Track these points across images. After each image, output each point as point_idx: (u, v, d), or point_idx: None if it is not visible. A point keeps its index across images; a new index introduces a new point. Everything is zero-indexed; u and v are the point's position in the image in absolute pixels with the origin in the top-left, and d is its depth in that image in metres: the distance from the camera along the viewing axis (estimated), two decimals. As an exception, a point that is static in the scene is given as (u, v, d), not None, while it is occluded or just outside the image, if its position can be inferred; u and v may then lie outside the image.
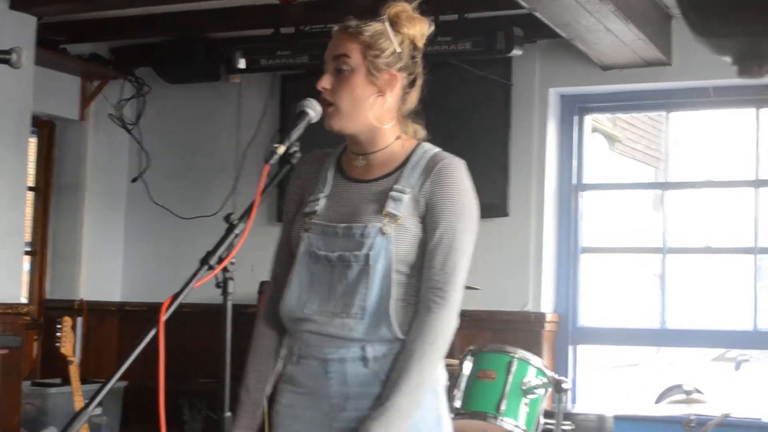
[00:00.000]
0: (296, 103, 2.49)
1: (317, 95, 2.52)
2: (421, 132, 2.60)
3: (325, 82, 2.49)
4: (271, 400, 2.63)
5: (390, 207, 2.45)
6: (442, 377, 2.53)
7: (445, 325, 2.44)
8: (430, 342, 2.42)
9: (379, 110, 2.50)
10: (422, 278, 2.47)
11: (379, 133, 2.53)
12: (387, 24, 2.49)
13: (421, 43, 2.56)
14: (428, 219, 2.47)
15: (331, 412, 2.47)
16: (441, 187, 2.47)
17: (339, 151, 2.63)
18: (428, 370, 2.42)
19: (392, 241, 2.43)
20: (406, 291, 2.47)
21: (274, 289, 2.66)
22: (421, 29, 2.54)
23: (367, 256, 2.43)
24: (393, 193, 2.47)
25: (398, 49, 2.49)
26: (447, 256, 2.45)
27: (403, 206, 2.46)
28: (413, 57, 2.54)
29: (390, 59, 2.49)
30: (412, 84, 2.56)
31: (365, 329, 2.43)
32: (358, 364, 2.44)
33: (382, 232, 2.44)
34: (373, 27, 2.49)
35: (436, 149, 2.55)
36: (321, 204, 2.55)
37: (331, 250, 2.48)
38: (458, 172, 2.50)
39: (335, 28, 2.55)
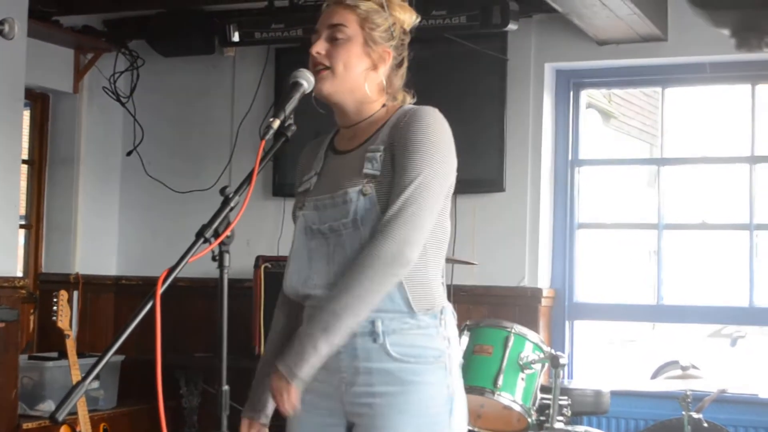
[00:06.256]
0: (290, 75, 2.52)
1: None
2: (409, 99, 2.64)
3: (319, 47, 2.53)
4: (240, 374, 2.65)
5: (367, 168, 2.46)
6: (454, 354, 2.50)
7: (381, 255, 2.35)
8: (357, 269, 2.36)
9: (371, 84, 2.55)
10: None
11: (366, 106, 2.57)
12: (384, 2, 2.55)
13: (408, 29, 2.63)
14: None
15: (342, 387, 2.48)
16: (404, 131, 2.45)
17: (333, 132, 2.68)
18: (348, 298, 2.34)
19: (374, 201, 2.43)
20: None
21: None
22: (409, 16, 2.62)
23: (354, 220, 2.43)
24: (368, 154, 2.48)
25: (391, 28, 2.55)
26: (403, 191, 2.39)
27: (379, 164, 2.46)
28: (402, 40, 2.60)
29: (384, 35, 2.55)
30: (399, 65, 2.61)
31: None
32: (368, 339, 2.43)
33: (362, 193, 2.44)
34: (368, 4, 2.54)
35: (414, 107, 2.56)
36: (313, 181, 2.59)
37: (322, 223, 2.49)
38: (423, 116, 2.47)
39: (328, 2, 2.60)
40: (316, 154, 2.65)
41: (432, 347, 2.45)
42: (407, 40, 2.62)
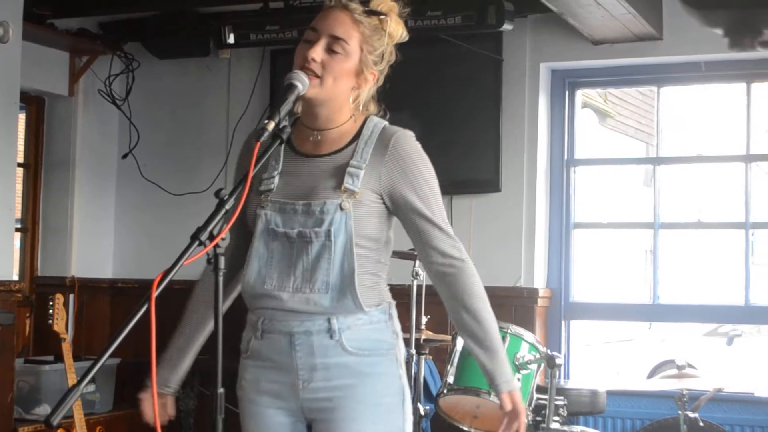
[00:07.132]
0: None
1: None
2: (373, 107, 2.68)
3: (316, 54, 2.53)
4: (236, 376, 2.66)
5: (348, 183, 2.52)
6: (402, 347, 2.63)
7: (475, 274, 2.62)
8: (476, 296, 2.59)
9: (350, 100, 2.59)
10: (423, 249, 2.60)
11: (339, 115, 2.60)
12: (387, 21, 2.59)
13: (395, 42, 2.66)
14: (395, 195, 2.56)
15: (298, 384, 2.54)
16: (400, 162, 2.56)
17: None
18: (492, 315, 2.61)
19: (351, 216, 2.50)
20: (369, 264, 2.55)
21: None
22: (401, 32, 2.65)
23: (328, 231, 2.49)
24: (350, 169, 2.54)
25: (384, 52, 2.61)
26: (434, 220, 2.58)
27: (360, 182, 2.53)
28: (388, 62, 2.65)
29: (376, 59, 2.60)
30: (376, 82, 2.66)
31: (330, 302, 2.50)
32: (324, 336, 2.51)
33: (341, 207, 2.50)
34: (372, 20, 2.58)
35: (384, 123, 2.64)
36: (276, 181, 2.60)
37: (290, 227, 2.53)
38: (410, 143, 2.60)
39: (334, 3, 2.61)
40: (268, 149, 2.55)
41: (383, 340, 2.57)
42: (392, 61, 2.65)
